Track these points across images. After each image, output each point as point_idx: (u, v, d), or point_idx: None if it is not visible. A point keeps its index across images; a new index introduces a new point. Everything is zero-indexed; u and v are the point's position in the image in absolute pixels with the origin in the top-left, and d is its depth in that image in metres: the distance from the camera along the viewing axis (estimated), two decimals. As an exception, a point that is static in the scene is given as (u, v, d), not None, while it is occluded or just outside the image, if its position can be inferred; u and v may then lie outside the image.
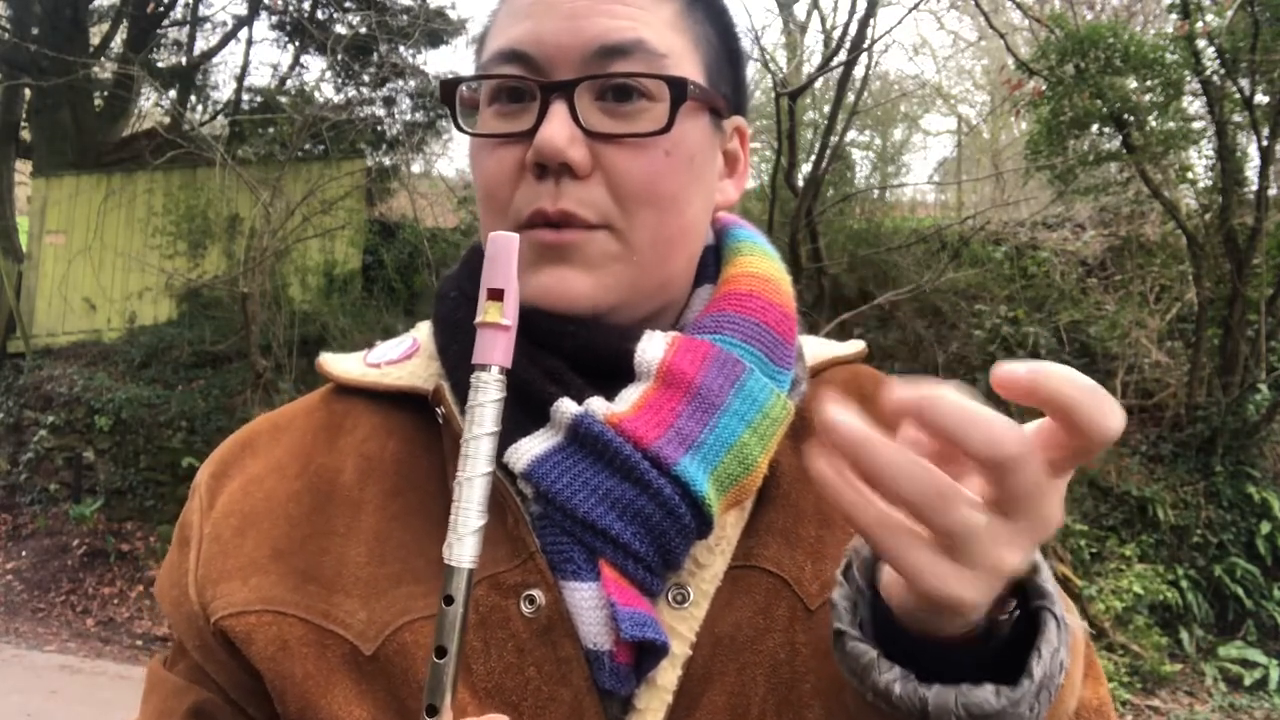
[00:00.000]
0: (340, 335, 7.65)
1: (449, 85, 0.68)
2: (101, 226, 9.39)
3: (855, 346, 0.78)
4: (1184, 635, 5.58)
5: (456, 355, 0.67)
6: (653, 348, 0.63)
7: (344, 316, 8.22)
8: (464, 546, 0.50)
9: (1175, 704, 5.09)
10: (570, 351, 0.64)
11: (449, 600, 0.50)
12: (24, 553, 7.52)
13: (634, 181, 0.64)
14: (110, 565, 7.25)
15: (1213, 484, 5.98)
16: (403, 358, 0.72)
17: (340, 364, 0.73)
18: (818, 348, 0.76)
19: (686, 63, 0.66)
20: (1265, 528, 5.85)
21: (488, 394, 0.53)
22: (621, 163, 0.63)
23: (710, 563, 0.62)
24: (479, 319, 0.54)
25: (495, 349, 0.53)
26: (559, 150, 0.61)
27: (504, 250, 0.55)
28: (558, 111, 0.62)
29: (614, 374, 0.63)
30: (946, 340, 7.19)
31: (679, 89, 0.64)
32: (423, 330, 0.75)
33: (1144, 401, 6.59)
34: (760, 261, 0.72)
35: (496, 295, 0.54)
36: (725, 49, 0.71)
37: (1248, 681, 5.29)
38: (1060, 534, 5.52)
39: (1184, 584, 5.69)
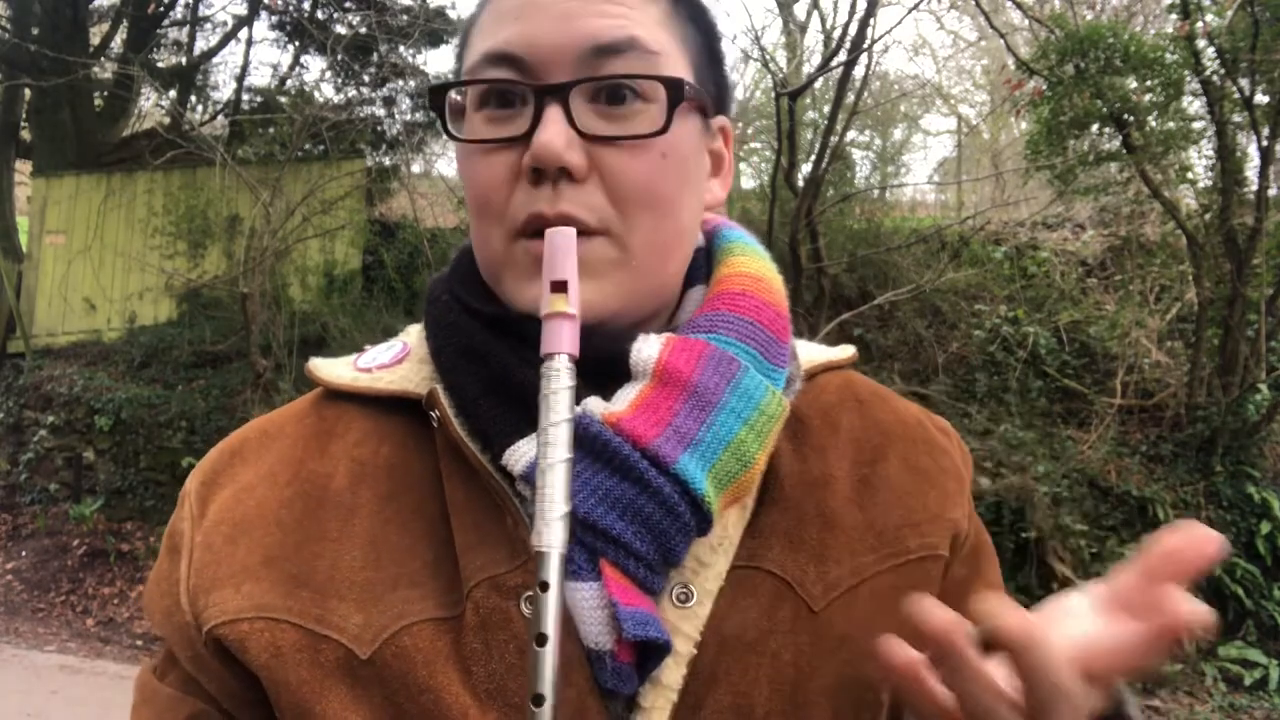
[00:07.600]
0: (340, 335, 7.64)
1: (438, 90, 0.66)
2: (101, 226, 9.39)
3: (846, 351, 0.78)
4: (1184, 635, 5.57)
5: (451, 358, 0.66)
6: (648, 347, 0.63)
7: (344, 317, 8.20)
8: (553, 531, 0.52)
9: (1175, 704, 5.09)
10: None
11: (544, 586, 0.50)
12: (24, 553, 7.51)
13: (632, 184, 0.63)
14: (110, 565, 7.25)
15: (1213, 484, 5.97)
16: (394, 362, 0.71)
17: (330, 369, 0.73)
18: (810, 352, 0.76)
19: (677, 62, 0.66)
20: (1265, 528, 5.84)
21: (560, 381, 0.55)
22: (619, 165, 0.63)
23: (713, 562, 0.62)
24: (544, 311, 0.56)
25: (563, 337, 0.56)
26: (557, 154, 0.60)
27: (563, 245, 0.59)
28: (553, 115, 0.61)
29: (610, 375, 0.63)
30: (946, 340, 7.18)
31: (676, 89, 0.63)
32: (412, 334, 0.74)
33: (1144, 401, 6.59)
34: (752, 261, 0.72)
35: (560, 287, 0.57)
36: (708, 48, 0.70)
37: (1248, 681, 5.28)
38: (1060, 534, 5.52)
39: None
